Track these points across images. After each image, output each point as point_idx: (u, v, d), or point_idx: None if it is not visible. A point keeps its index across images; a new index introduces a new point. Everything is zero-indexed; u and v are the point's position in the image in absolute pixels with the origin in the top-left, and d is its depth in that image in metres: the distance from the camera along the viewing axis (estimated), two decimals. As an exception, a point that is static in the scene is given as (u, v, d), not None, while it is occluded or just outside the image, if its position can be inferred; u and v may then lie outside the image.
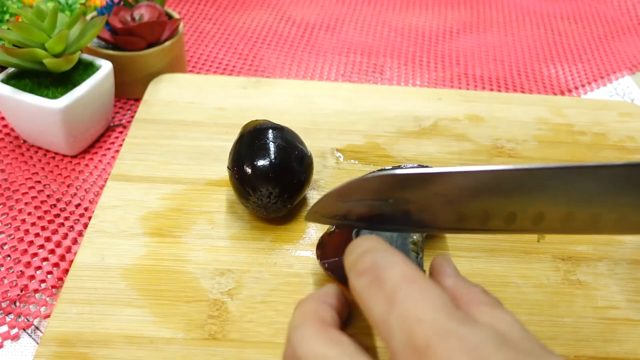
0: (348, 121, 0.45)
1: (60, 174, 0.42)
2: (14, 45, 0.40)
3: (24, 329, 0.33)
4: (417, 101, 0.47)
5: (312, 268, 0.34)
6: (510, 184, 0.28)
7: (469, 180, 0.28)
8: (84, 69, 0.42)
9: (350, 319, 0.29)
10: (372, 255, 0.23)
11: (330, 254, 0.31)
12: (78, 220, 0.39)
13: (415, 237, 0.30)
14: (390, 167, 0.36)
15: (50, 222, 0.38)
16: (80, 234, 0.38)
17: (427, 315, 0.20)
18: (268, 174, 0.33)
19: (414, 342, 0.20)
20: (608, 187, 0.28)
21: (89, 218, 0.38)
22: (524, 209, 0.29)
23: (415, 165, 0.35)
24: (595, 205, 0.28)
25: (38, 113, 0.40)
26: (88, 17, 0.48)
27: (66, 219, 0.39)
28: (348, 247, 0.25)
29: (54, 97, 0.40)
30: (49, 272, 0.35)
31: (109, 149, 0.44)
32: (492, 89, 0.55)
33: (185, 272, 0.33)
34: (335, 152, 0.42)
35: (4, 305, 0.33)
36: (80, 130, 0.42)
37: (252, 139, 0.35)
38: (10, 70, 0.41)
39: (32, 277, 0.35)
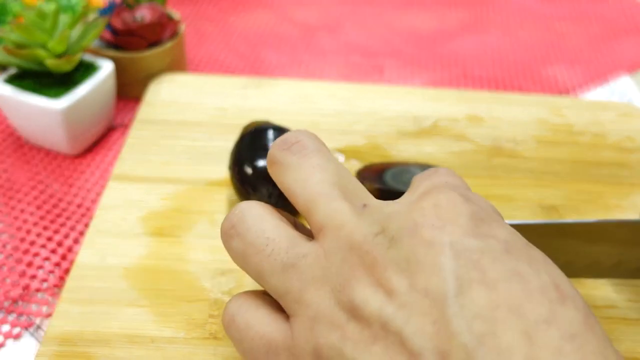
0: (348, 121, 0.45)
1: (62, 174, 0.42)
2: (15, 46, 0.40)
3: (26, 328, 0.33)
4: (417, 101, 0.48)
5: (312, 268, 0.34)
6: None
7: None
8: (86, 70, 0.42)
9: None
10: None
11: None
12: (80, 220, 0.39)
13: None
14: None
15: (52, 222, 0.38)
16: (82, 233, 0.38)
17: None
18: (268, 174, 0.33)
19: None
20: (583, 239, 0.30)
21: (91, 218, 0.39)
22: None
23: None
24: (569, 254, 0.31)
25: (40, 113, 0.40)
26: (89, 18, 0.48)
27: (68, 218, 0.39)
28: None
29: (56, 97, 0.40)
30: (51, 272, 0.35)
31: (110, 149, 0.45)
32: (492, 89, 0.55)
33: (186, 272, 0.33)
34: (335, 152, 0.42)
35: (6, 304, 0.34)
36: (81, 130, 0.42)
37: (252, 139, 0.35)
38: (12, 70, 0.42)
39: (34, 276, 0.35)
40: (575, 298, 0.18)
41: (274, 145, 0.24)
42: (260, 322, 0.22)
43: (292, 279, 0.21)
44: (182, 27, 0.49)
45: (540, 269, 0.18)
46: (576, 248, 0.31)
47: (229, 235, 0.23)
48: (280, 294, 0.21)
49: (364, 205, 0.21)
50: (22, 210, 0.39)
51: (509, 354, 0.16)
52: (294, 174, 0.23)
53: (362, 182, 0.36)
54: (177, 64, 0.50)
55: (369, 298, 0.19)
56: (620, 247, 0.31)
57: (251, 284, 0.33)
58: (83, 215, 0.39)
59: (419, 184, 0.22)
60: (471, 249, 0.18)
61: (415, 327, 0.17)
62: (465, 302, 0.17)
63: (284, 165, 0.23)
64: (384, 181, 0.35)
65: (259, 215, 0.22)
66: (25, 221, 0.38)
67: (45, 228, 0.38)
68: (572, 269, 0.32)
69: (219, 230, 0.36)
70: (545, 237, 0.30)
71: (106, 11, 0.49)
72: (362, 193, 0.22)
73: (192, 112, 0.45)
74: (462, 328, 0.17)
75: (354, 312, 0.19)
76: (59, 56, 0.40)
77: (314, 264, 0.20)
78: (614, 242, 0.30)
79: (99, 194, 0.41)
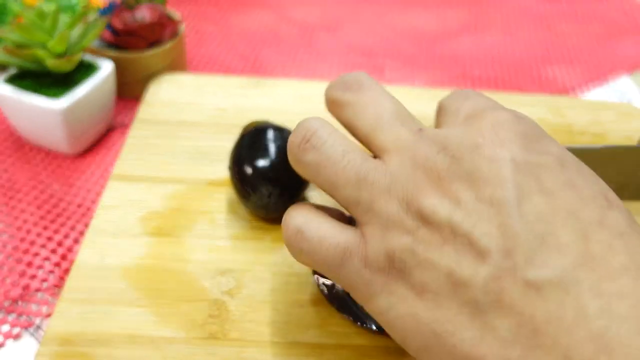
0: (348, 121, 0.45)
1: (62, 174, 0.42)
2: (15, 46, 0.40)
3: (26, 328, 0.33)
4: (417, 101, 0.48)
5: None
6: None
7: None
8: (86, 70, 0.43)
9: None
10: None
11: None
12: (80, 220, 0.39)
13: None
14: None
15: (52, 221, 0.38)
16: (82, 233, 0.38)
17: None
18: (268, 174, 0.33)
19: (471, 113, 0.23)
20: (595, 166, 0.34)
21: (91, 218, 0.39)
22: None
23: None
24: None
25: (40, 113, 0.40)
26: (89, 17, 0.48)
27: (68, 218, 0.39)
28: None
29: (56, 97, 0.40)
30: (51, 272, 0.35)
31: (110, 149, 0.45)
32: (492, 89, 0.55)
33: (186, 272, 0.33)
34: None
35: (6, 304, 0.34)
36: (81, 130, 0.42)
37: (252, 139, 0.35)
38: (12, 70, 0.42)
39: (33, 276, 0.35)
40: (621, 205, 0.20)
41: (332, 86, 0.26)
42: (333, 233, 0.23)
43: (364, 190, 0.22)
44: (182, 27, 0.49)
45: (590, 180, 0.21)
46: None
47: (304, 149, 0.24)
48: (351, 204, 0.23)
49: (420, 130, 0.23)
50: (22, 210, 0.39)
51: (567, 249, 0.19)
52: (352, 108, 0.25)
53: None
54: (177, 64, 0.50)
55: (438, 207, 0.21)
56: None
57: (250, 284, 0.33)
58: (83, 215, 0.39)
59: (459, 107, 0.24)
60: (530, 163, 0.20)
61: (483, 230, 0.20)
62: (526, 208, 0.19)
63: (343, 102, 0.25)
64: None
65: (332, 131, 0.24)
66: (25, 221, 0.38)
67: (45, 228, 0.38)
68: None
69: (219, 230, 0.36)
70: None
71: (106, 11, 0.49)
72: (416, 120, 0.24)
73: (192, 112, 0.45)
74: (524, 229, 0.19)
75: (424, 220, 0.21)
76: (59, 56, 0.40)
77: (383, 178, 0.22)
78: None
79: (98, 194, 0.41)
